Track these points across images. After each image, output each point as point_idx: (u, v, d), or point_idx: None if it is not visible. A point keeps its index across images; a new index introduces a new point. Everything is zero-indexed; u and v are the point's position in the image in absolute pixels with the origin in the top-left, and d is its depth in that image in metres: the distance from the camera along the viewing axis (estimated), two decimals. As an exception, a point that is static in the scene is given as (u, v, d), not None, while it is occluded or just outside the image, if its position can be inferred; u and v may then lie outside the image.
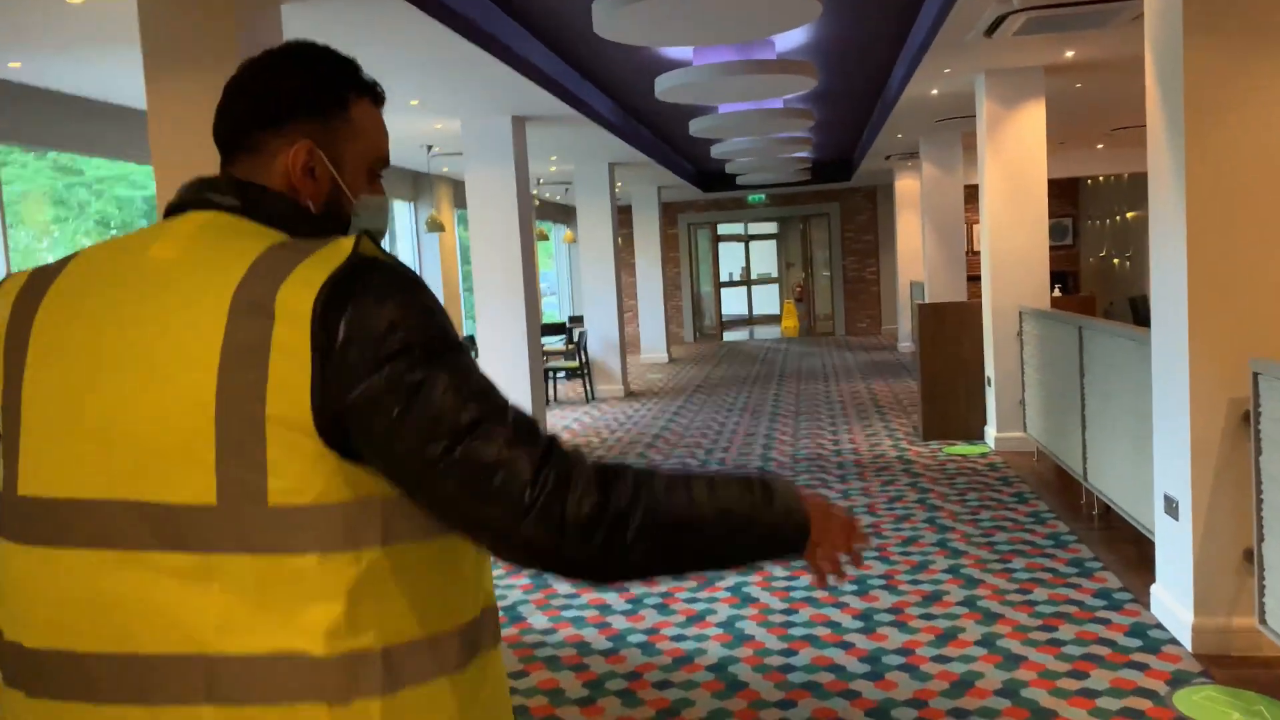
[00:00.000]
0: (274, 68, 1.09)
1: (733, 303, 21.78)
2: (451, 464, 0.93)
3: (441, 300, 2.24)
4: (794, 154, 12.70)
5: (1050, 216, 8.26)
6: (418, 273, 1.03)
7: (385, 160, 1.16)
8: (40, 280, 1.05)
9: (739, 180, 14.71)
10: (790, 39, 6.84)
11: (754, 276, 22.80)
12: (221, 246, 1.00)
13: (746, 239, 22.38)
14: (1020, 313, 6.78)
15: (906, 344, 14.20)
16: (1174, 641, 3.54)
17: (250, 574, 0.93)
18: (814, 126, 10.74)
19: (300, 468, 0.93)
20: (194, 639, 0.93)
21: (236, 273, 0.96)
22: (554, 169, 11.81)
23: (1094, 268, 16.41)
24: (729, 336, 19.36)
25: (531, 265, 8.02)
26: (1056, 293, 14.24)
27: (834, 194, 17.74)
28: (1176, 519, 3.60)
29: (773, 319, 22.83)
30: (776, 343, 17.35)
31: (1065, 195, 16.97)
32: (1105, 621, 3.76)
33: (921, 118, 8.97)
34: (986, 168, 6.96)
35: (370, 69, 1.17)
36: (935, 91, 7.59)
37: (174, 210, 1.07)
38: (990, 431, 7.14)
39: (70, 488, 0.97)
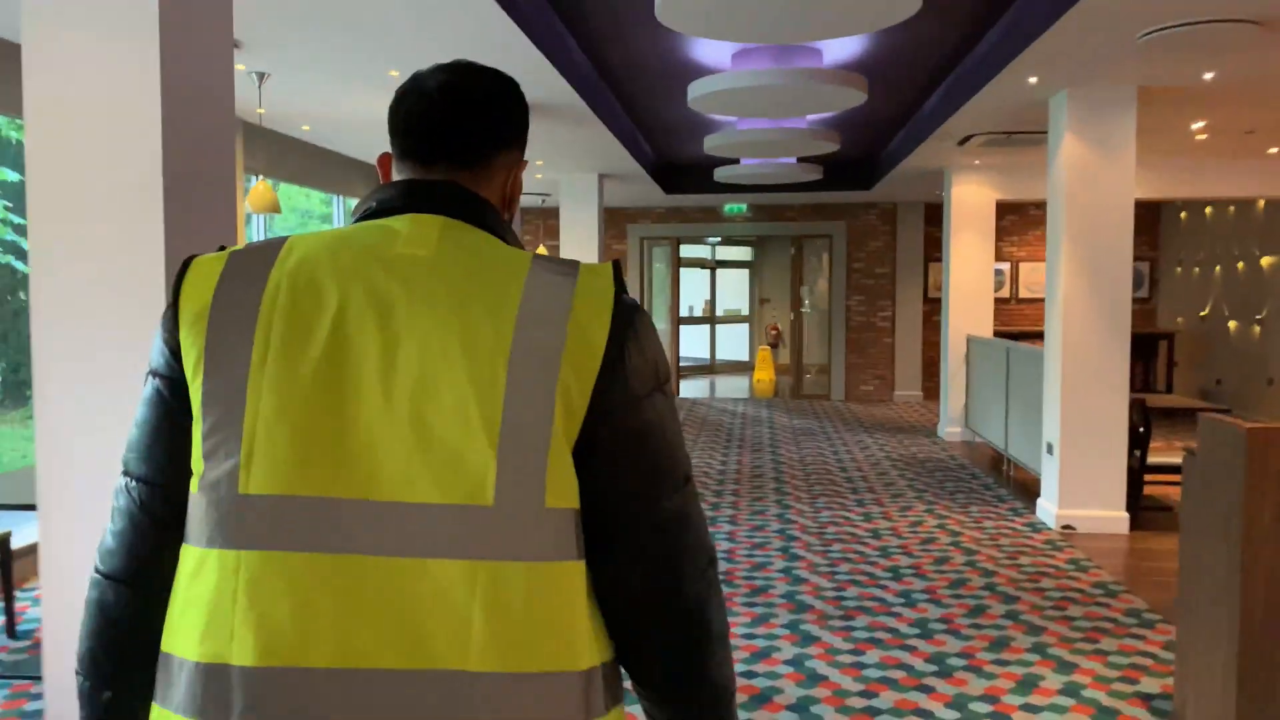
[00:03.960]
0: (508, 93, 1.11)
1: (692, 343, 17.19)
2: (668, 511, 0.97)
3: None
4: (817, 128, 8.13)
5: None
6: None
7: None
8: (250, 264, 0.98)
9: (719, 175, 10.06)
10: None
11: (720, 313, 18.24)
12: (480, 252, 0.99)
13: (714, 265, 17.82)
14: None
15: (955, 429, 9.62)
16: None
17: (521, 582, 0.89)
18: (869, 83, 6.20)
19: (566, 472, 0.92)
20: (448, 657, 0.88)
21: (516, 280, 0.95)
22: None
23: (1189, 332, 12.06)
24: (686, 390, 14.69)
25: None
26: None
27: (839, 209, 13.23)
28: None
29: (740, 367, 18.25)
30: (750, 405, 12.71)
31: (1141, 228, 12.69)
32: None
33: (1106, 30, 4.42)
34: None
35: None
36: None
37: (378, 214, 1.03)
38: None
39: (318, 486, 0.90)
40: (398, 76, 5.51)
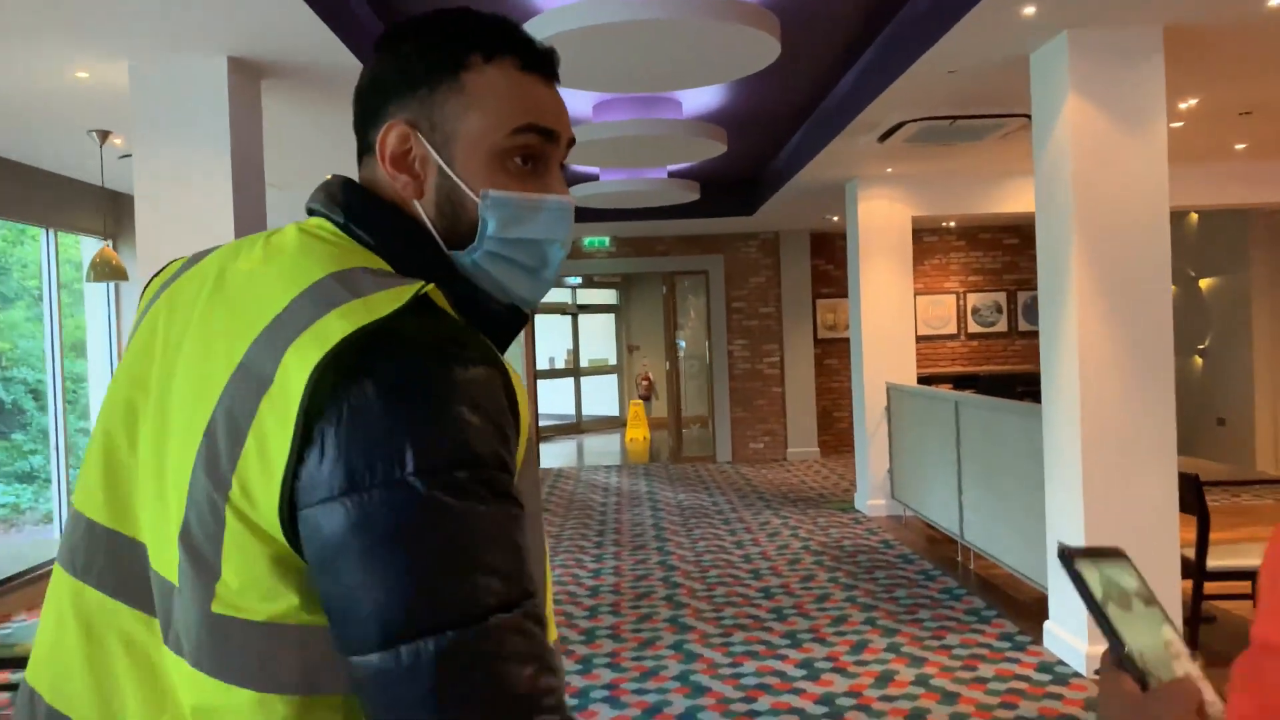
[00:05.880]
0: (379, 53, 0.87)
1: (554, 399, 15.08)
2: (381, 675, 0.66)
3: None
4: (699, 122, 6.21)
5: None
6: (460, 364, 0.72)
7: (537, 139, 0.84)
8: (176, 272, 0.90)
9: (575, 196, 8.00)
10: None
11: (584, 363, 16.15)
12: (287, 269, 0.78)
13: (575, 310, 15.74)
14: None
15: (878, 501, 7.75)
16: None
17: (185, 682, 0.73)
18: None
19: (257, 573, 0.70)
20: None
21: (270, 312, 0.74)
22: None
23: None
24: (549, 457, 12.49)
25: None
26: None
27: (715, 240, 11.40)
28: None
29: (610, 423, 16.16)
30: (625, 474, 10.59)
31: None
32: None
33: None
34: None
35: None
36: None
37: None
38: None
39: (107, 517, 0.82)
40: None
